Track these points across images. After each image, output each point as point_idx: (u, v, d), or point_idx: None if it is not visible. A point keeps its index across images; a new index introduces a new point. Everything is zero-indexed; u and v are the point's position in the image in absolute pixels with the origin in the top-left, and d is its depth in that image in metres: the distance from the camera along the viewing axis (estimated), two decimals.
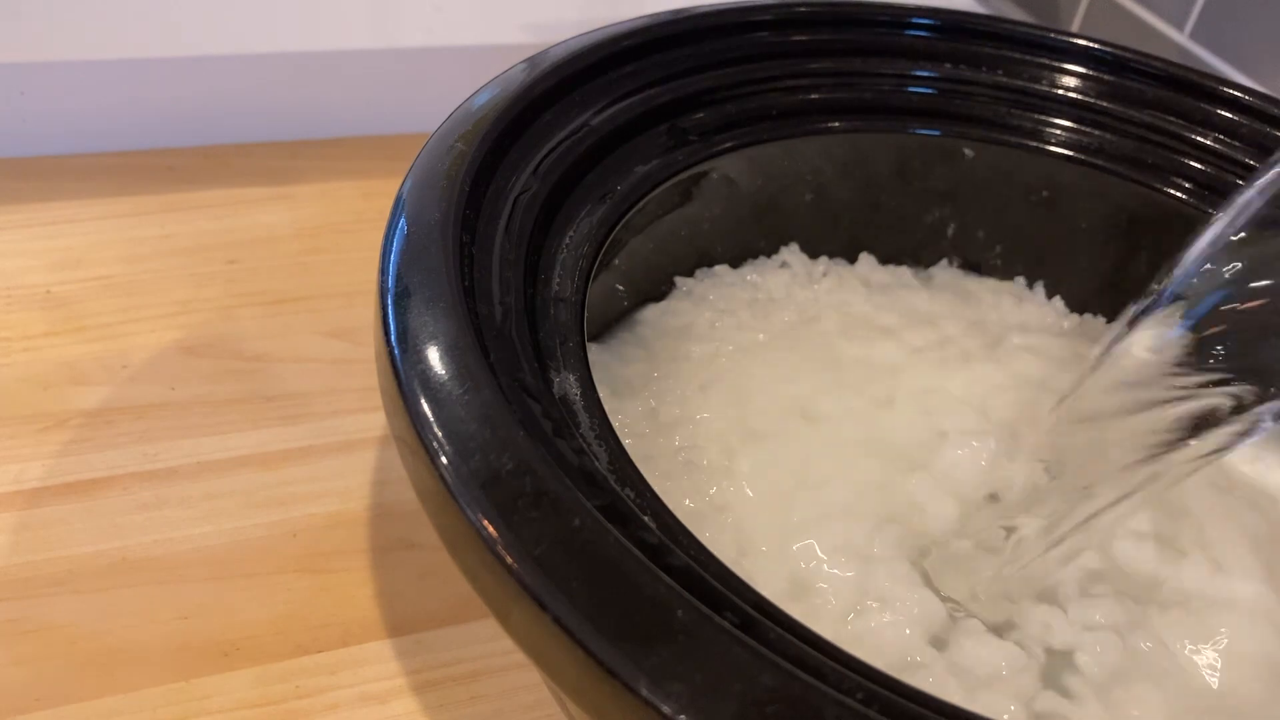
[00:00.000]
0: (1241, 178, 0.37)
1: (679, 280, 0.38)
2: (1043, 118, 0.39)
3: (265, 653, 0.31)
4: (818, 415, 0.33)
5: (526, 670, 0.32)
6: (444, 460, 0.21)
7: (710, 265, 0.39)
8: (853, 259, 0.41)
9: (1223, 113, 0.38)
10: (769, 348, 0.35)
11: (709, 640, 0.19)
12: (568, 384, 0.26)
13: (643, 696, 0.18)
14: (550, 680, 0.21)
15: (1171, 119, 0.39)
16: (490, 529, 0.20)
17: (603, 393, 0.26)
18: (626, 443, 0.27)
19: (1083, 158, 0.39)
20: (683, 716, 0.18)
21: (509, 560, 0.20)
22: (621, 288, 0.36)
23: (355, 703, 0.31)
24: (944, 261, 0.41)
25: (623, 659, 0.19)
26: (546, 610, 0.19)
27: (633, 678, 0.18)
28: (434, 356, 0.23)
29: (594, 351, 0.35)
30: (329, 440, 0.38)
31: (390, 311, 0.24)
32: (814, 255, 0.40)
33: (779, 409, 0.33)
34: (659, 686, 0.18)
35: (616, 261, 0.34)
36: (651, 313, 0.37)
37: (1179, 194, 0.38)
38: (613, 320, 0.37)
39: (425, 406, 0.22)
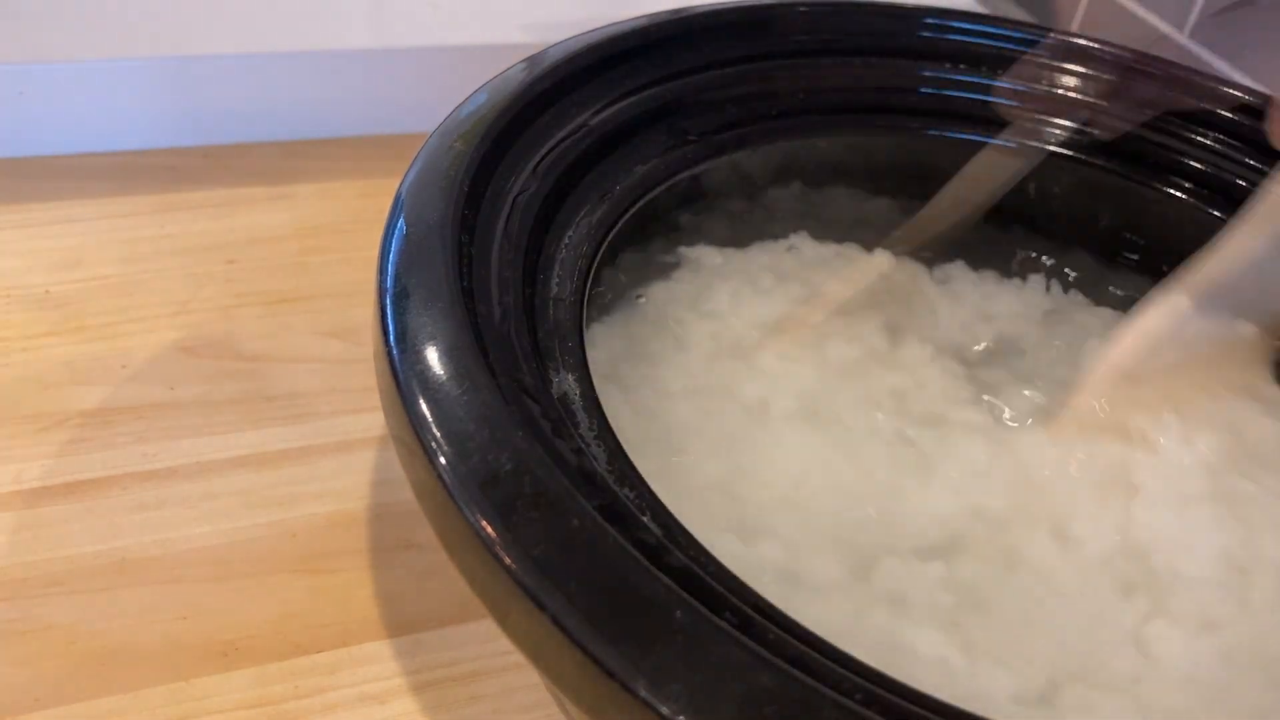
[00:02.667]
0: (1241, 177, 0.37)
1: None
2: (1043, 118, 0.39)
3: (264, 653, 0.31)
4: None
5: (525, 670, 0.32)
6: (442, 460, 0.21)
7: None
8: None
9: (1223, 113, 0.38)
10: None
11: (708, 641, 0.19)
12: (567, 384, 0.26)
13: (641, 697, 0.18)
14: (549, 681, 0.21)
15: (1171, 119, 0.38)
16: (489, 529, 0.20)
17: None
18: None
19: (1083, 157, 0.39)
20: (681, 717, 0.18)
21: (507, 561, 0.20)
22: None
23: (354, 703, 0.31)
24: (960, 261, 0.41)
25: (621, 659, 0.19)
26: (545, 611, 0.19)
27: (631, 678, 0.18)
28: (432, 357, 0.23)
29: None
30: (329, 440, 0.38)
31: (389, 311, 0.24)
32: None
33: None
34: (658, 687, 0.18)
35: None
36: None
37: (1179, 194, 0.38)
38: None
39: (424, 407, 0.22)
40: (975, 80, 0.39)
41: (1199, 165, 0.38)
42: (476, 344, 0.24)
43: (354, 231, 0.47)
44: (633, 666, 0.19)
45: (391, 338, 0.24)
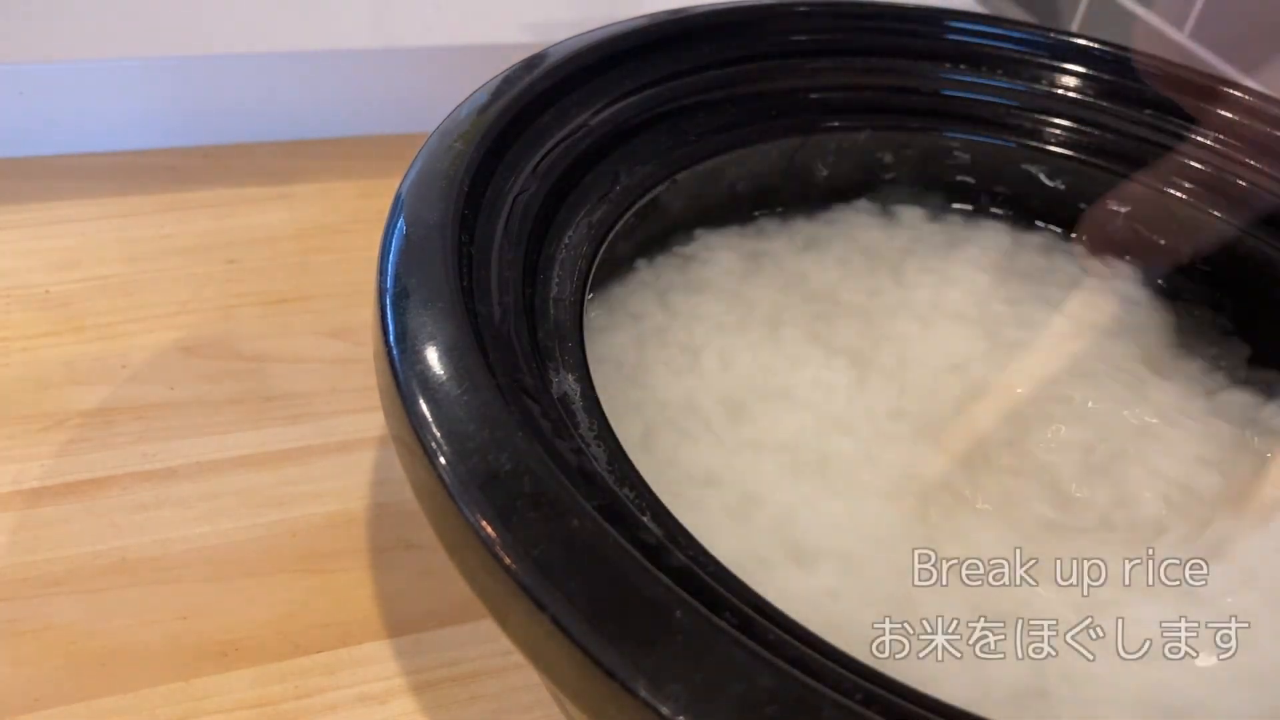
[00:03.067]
0: (1242, 178, 0.37)
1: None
2: (1043, 118, 0.39)
3: (264, 653, 0.31)
4: None
5: (525, 671, 0.32)
6: (442, 461, 0.21)
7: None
8: None
9: (1223, 113, 0.38)
10: None
11: (708, 641, 0.19)
12: (567, 384, 0.26)
13: (641, 698, 0.18)
14: (549, 681, 0.21)
15: (1171, 119, 0.38)
16: (489, 529, 0.20)
17: None
18: None
19: (1083, 158, 0.38)
20: (681, 717, 0.18)
21: (507, 561, 0.20)
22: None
23: (354, 703, 0.31)
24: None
25: (621, 660, 0.19)
26: (545, 611, 0.19)
27: (631, 678, 0.18)
28: (432, 357, 0.23)
29: None
30: (328, 440, 0.38)
31: (389, 312, 0.24)
32: None
33: None
34: (658, 687, 0.18)
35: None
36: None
37: (1179, 194, 0.38)
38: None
39: (424, 407, 0.22)
40: (975, 80, 0.39)
41: (1199, 166, 0.38)
42: (476, 344, 0.24)
43: (354, 231, 0.47)
44: (633, 666, 0.19)
45: (391, 338, 0.24)
